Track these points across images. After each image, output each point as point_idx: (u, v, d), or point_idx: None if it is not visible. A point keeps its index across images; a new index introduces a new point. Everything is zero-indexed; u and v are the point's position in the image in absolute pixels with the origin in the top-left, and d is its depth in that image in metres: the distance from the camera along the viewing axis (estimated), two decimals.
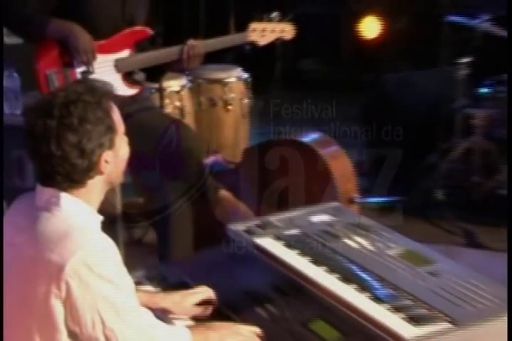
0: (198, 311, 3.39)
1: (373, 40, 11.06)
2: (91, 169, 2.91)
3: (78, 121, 2.85)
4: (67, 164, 2.87)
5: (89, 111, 2.88)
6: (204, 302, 3.41)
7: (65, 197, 2.90)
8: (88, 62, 5.19)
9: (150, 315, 2.98)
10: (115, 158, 2.98)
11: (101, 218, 3.03)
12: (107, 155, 2.93)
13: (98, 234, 2.91)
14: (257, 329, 3.18)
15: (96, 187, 2.98)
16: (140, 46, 5.49)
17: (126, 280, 2.90)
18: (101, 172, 2.94)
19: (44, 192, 2.94)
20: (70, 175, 2.89)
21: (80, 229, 2.86)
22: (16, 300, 2.88)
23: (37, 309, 2.80)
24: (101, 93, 2.99)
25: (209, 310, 3.40)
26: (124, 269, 2.91)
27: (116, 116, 3.00)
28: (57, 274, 2.75)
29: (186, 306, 3.38)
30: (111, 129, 2.94)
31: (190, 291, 3.45)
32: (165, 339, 2.95)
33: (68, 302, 2.77)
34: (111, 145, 2.94)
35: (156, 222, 5.55)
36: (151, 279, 3.62)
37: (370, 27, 10.99)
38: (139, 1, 5.54)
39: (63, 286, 2.75)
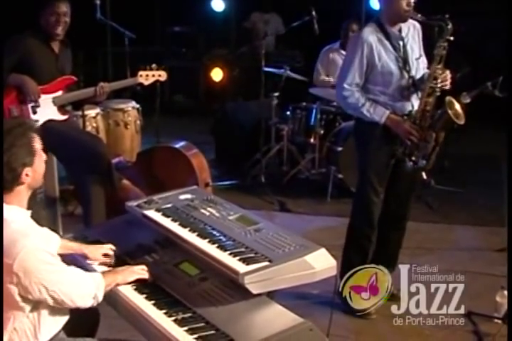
0: (104, 259, 3.29)
1: (219, 82, 11.05)
2: (15, 180, 2.78)
3: (8, 146, 2.73)
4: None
5: (17, 139, 2.76)
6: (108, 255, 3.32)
7: (5, 207, 2.78)
8: (35, 100, 5.11)
9: (76, 269, 2.88)
10: (33, 172, 2.82)
11: (29, 212, 2.89)
12: (28, 171, 2.79)
13: (31, 235, 2.75)
14: (144, 266, 3.10)
15: (22, 193, 2.83)
16: (69, 88, 5.38)
17: (54, 255, 2.81)
18: (22, 183, 2.80)
19: None
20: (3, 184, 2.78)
21: (21, 234, 2.72)
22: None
23: (5, 289, 2.70)
24: (27, 127, 2.85)
25: (112, 258, 3.30)
26: (52, 248, 2.86)
27: (37, 142, 2.85)
28: (10, 270, 2.66)
29: (98, 254, 3.29)
30: (32, 156, 2.80)
31: (102, 245, 3.37)
32: (88, 281, 2.85)
33: (19, 284, 2.68)
34: (30, 165, 2.80)
35: (81, 201, 5.44)
36: (76, 238, 3.51)
37: (217, 74, 10.98)
38: (66, 59, 5.43)
39: (14, 277, 2.66)
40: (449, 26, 4.30)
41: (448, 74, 4.44)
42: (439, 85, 4.40)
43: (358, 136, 4.77)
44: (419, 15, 4.37)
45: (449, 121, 4.46)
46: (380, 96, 4.46)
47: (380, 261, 4.77)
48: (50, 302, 2.75)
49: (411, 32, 4.55)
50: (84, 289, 2.84)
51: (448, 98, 4.48)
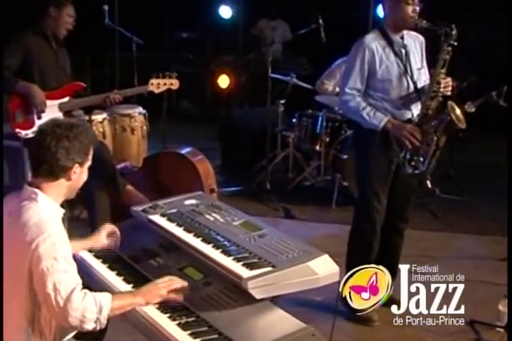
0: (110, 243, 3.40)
1: (225, 88, 11.08)
2: (65, 170, 2.79)
3: (73, 136, 2.77)
4: (54, 158, 2.74)
5: (82, 136, 2.81)
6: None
7: (41, 195, 2.77)
8: (41, 108, 5.18)
9: (77, 285, 2.70)
10: (79, 175, 2.85)
11: (63, 211, 2.89)
12: (77, 168, 2.81)
13: (57, 226, 2.75)
14: (170, 281, 2.93)
15: (62, 190, 2.84)
16: (77, 93, 5.43)
17: (67, 260, 2.70)
18: (69, 179, 2.82)
19: (28, 190, 2.79)
20: (52, 167, 2.77)
21: (47, 220, 2.71)
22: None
23: (11, 266, 2.71)
24: (92, 137, 2.95)
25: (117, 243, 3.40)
26: (69, 252, 2.73)
27: (90, 155, 2.90)
28: (26, 248, 2.64)
29: (101, 241, 3.40)
30: (86, 156, 2.85)
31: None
32: (91, 305, 2.68)
33: (33, 266, 2.65)
34: (81, 165, 2.83)
35: (87, 205, 5.48)
36: None
37: (224, 80, 11.01)
38: (63, 55, 5.52)
39: (27, 260, 2.64)
40: (454, 32, 4.33)
41: (450, 80, 4.46)
42: (441, 90, 4.42)
43: (358, 143, 4.81)
44: (424, 22, 4.38)
45: (450, 125, 4.48)
46: (381, 102, 4.51)
47: None
48: (43, 302, 2.67)
49: (413, 43, 4.59)
50: (86, 313, 2.69)
51: (450, 103, 4.52)
